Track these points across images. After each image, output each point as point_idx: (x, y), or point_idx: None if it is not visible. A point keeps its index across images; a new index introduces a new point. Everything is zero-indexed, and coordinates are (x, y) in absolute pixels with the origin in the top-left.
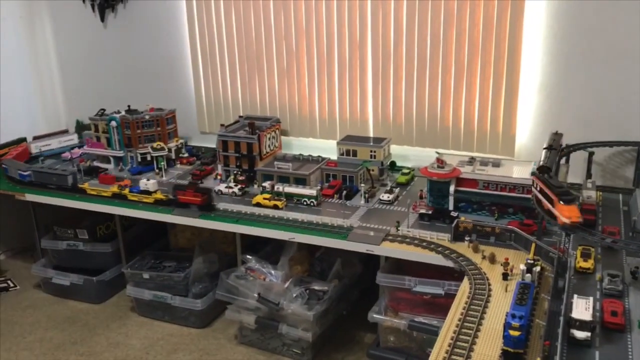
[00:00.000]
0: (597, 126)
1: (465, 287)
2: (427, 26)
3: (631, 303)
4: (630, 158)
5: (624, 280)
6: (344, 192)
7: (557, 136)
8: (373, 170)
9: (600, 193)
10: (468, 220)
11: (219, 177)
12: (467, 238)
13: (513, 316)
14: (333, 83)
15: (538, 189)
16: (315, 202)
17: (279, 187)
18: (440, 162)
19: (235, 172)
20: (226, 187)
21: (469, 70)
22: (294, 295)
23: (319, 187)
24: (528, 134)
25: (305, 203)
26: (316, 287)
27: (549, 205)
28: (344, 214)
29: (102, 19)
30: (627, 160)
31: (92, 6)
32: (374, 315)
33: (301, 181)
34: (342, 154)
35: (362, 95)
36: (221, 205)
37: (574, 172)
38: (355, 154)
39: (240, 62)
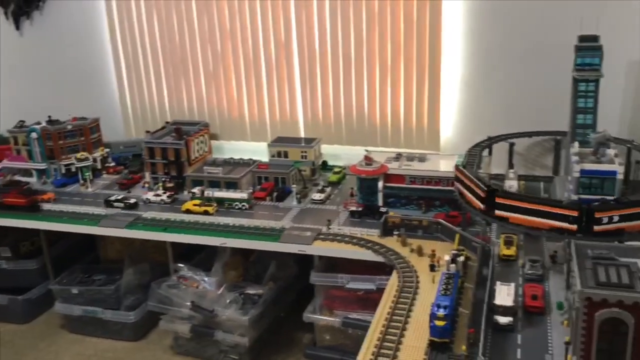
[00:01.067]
0: (517, 118)
1: (394, 281)
2: (350, 26)
3: (551, 286)
4: (548, 147)
5: (544, 264)
6: (276, 194)
7: None
8: (305, 170)
9: (523, 182)
10: (396, 215)
11: (146, 185)
12: (395, 232)
13: (438, 306)
14: (261, 84)
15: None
16: (247, 206)
17: (210, 193)
18: (368, 160)
19: (163, 179)
20: (154, 195)
21: (393, 68)
22: (229, 301)
23: (250, 191)
24: (452, 128)
25: (237, 207)
26: (251, 291)
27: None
28: (276, 216)
29: (17, 27)
30: (546, 150)
31: (6, 14)
32: (309, 315)
33: (232, 185)
34: (274, 156)
35: (291, 96)
36: (149, 214)
37: (496, 163)
38: (286, 155)
39: (165, 66)
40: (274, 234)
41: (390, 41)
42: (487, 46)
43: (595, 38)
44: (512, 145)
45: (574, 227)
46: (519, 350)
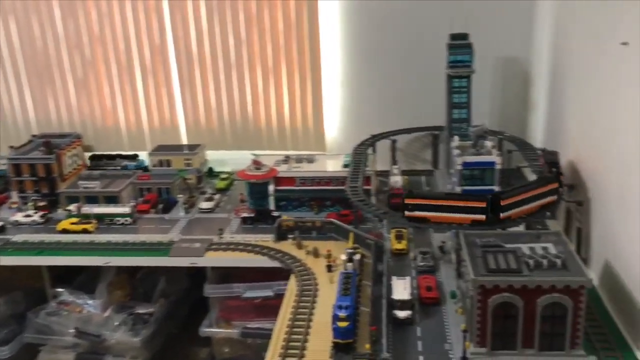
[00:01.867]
0: (397, 115)
1: (292, 285)
2: (228, 27)
3: (443, 276)
4: (427, 142)
5: (434, 255)
6: (161, 206)
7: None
8: (190, 178)
9: (407, 177)
10: (289, 219)
11: (14, 206)
12: (290, 236)
13: (340, 307)
14: (136, 91)
15: None
16: (130, 220)
17: (88, 209)
18: (257, 164)
19: (33, 198)
20: (24, 216)
21: (275, 70)
22: (117, 323)
23: (133, 204)
24: (337, 128)
25: (119, 222)
26: (141, 311)
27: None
28: (163, 229)
29: None
30: (425, 144)
31: None
32: (205, 329)
33: (112, 199)
34: (155, 165)
35: (170, 102)
36: (19, 237)
37: (381, 160)
38: (169, 163)
39: (28, 75)
40: (162, 248)
41: (270, 42)
42: (364, 46)
43: (465, 36)
44: (394, 142)
45: (483, 217)
46: (419, 343)
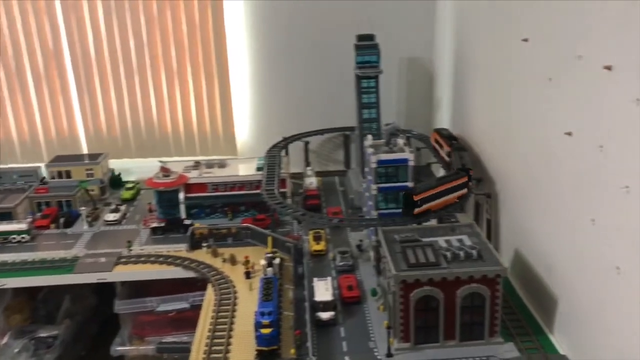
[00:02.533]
0: (309, 117)
1: (210, 295)
2: (127, 29)
3: (362, 274)
4: (338, 143)
5: (353, 254)
6: (62, 220)
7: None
8: (93, 190)
9: (320, 178)
10: (203, 226)
11: None
12: (204, 244)
13: (262, 314)
14: (29, 99)
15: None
16: (27, 237)
17: None
18: (166, 171)
19: None
20: None
21: (180, 73)
22: (17, 350)
23: (30, 219)
24: (248, 131)
25: (15, 240)
26: (43, 334)
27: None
28: (65, 245)
29: None
30: (336, 145)
31: None
32: (117, 348)
33: (6, 216)
34: (54, 177)
35: (68, 110)
36: None
37: (294, 162)
38: (69, 175)
39: None
40: (65, 265)
41: (173, 44)
42: (272, 47)
43: (371, 37)
44: (306, 143)
45: (466, 191)
46: (344, 343)
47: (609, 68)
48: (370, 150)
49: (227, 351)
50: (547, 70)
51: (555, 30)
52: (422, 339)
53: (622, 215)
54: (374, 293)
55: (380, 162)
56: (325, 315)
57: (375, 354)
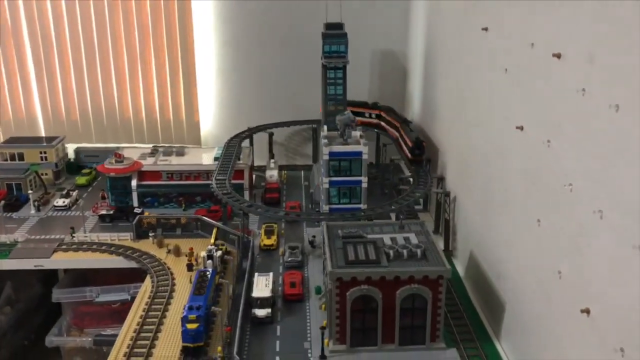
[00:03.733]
0: (276, 108)
1: (147, 286)
2: (89, 8)
3: (310, 271)
4: (307, 136)
5: (304, 250)
6: (6, 203)
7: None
8: (45, 173)
9: (285, 172)
10: (151, 215)
11: None
12: (152, 234)
13: (190, 308)
14: None
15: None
16: None
17: None
18: (119, 156)
19: None
20: None
21: (143, 57)
22: None
23: None
24: (213, 120)
25: None
26: None
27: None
28: (7, 229)
29: None
30: (305, 139)
31: None
32: (53, 339)
33: None
34: (6, 159)
35: (26, 91)
36: None
37: (261, 155)
38: (21, 157)
39: None
40: (3, 250)
41: (137, 28)
42: (240, 36)
43: (340, 25)
44: (271, 135)
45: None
46: (277, 342)
47: (558, 56)
48: (324, 141)
49: (152, 346)
50: (504, 60)
51: (512, 19)
52: (359, 341)
53: (565, 215)
54: (318, 291)
55: (332, 154)
56: (261, 312)
57: (309, 355)
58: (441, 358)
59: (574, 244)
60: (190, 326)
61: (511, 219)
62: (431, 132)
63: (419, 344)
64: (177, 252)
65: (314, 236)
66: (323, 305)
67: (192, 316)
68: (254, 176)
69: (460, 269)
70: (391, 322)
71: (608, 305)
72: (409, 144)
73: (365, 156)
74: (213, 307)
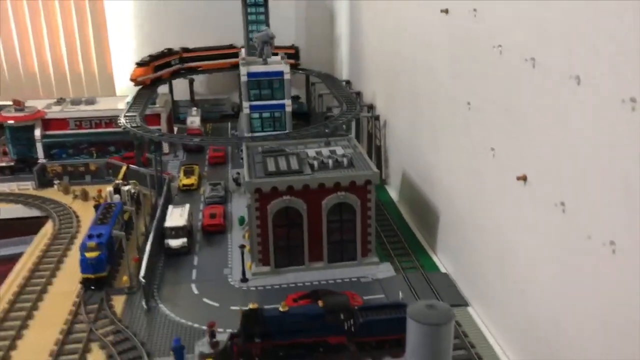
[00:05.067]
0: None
1: (46, 230)
2: None
3: (233, 207)
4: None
5: (227, 188)
6: None
7: None
8: None
9: (210, 124)
10: (55, 162)
11: None
12: (56, 182)
13: (90, 236)
14: None
15: None
16: None
17: None
18: (19, 104)
19: None
20: None
21: (46, 8)
22: None
23: None
24: (128, 71)
25: None
26: None
27: None
28: None
29: None
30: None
31: None
32: None
33: None
34: None
35: None
36: None
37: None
38: None
39: None
40: None
41: None
42: None
43: None
44: (191, 82)
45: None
46: (194, 271)
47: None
48: (242, 61)
49: (49, 283)
50: None
51: None
52: (284, 261)
53: (494, 94)
54: (241, 221)
55: (251, 75)
56: (175, 242)
57: (229, 280)
58: (374, 272)
59: (506, 122)
60: (89, 255)
61: (438, 115)
62: (358, 74)
63: (350, 260)
64: (84, 196)
65: (238, 173)
66: (247, 234)
67: (92, 243)
68: (175, 129)
69: (394, 195)
70: (318, 237)
71: (544, 169)
72: None
73: (287, 76)
74: (116, 232)
